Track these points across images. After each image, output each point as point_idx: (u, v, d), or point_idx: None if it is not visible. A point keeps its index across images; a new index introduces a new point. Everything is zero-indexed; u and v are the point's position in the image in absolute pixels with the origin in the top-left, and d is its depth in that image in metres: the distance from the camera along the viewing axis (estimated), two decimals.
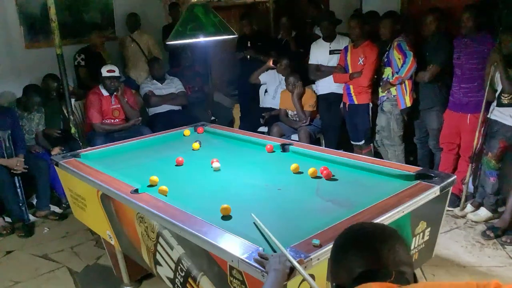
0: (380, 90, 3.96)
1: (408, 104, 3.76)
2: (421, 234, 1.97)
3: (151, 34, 5.43)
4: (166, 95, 4.94)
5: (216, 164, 2.51)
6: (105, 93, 4.40)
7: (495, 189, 3.37)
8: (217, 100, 5.80)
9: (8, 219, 3.80)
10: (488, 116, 3.35)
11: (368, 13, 4.39)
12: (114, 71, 4.37)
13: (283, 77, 4.62)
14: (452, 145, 3.67)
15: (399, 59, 3.69)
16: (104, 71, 4.34)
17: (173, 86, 5.04)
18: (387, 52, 3.85)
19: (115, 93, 4.41)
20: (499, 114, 3.26)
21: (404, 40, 3.72)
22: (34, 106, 4.08)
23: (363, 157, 2.61)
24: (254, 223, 1.73)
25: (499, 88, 3.24)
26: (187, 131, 3.32)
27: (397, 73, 3.71)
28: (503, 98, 3.21)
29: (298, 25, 5.28)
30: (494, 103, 3.31)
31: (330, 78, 4.31)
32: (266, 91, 5.04)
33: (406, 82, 3.72)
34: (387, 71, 3.86)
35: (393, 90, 3.84)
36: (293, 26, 5.09)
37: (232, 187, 2.25)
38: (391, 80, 3.77)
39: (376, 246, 1.01)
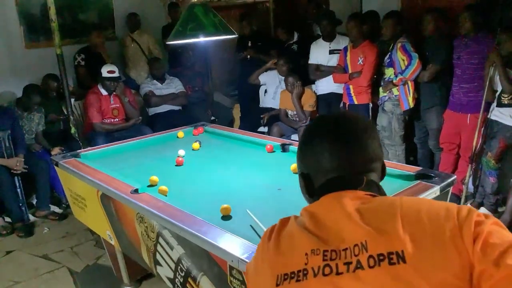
0: (381, 90, 3.96)
1: (411, 105, 3.76)
2: None
3: (151, 34, 5.43)
4: (166, 95, 4.94)
5: (181, 152, 2.67)
6: (104, 92, 4.40)
7: (495, 189, 3.37)
8: (217, 100, 5.79)
9: (8, 219, 3.80)
10: (488, 116, 3.35)
11: (367, 13, 4.39)
12: (114, 72, 4.36)
13: (283, 77, 4.62)
14: (452, 145, 3.67)
15: (403, 60, 3.68)
16: (105, 72, 4.33)
17: (173, 86, 5.04)
18: (389, 53, 3.84)
19: (114, 93, 4.41)
20: (499, 114, 3.26)
21: (408, 41, 3.71)
22: (33, 106, 4.08)
23: None
24: (250, 225, 1.72)
25: (499, 88, 3.24)
26: (180, 133, 3.22)
27: (400, 74, 3.70)
28: (503, 98, 3.21)
29: (299, 25, 5.28)
30: (494, 104, 3.31)
31: (330, 78, 4.31)
32: (266, 91, 5.05)
33: (409, 82, 3.72)
34: (389, 72, 3.85)
35: (395, 90, 3.84)
36: (294, 27, 5.09)
37: (232, 187, 2.25)
38: (394, 81, 3.76)
39: (350, 143, 0.93)
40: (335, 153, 0.93)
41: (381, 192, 0.95)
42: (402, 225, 0.77)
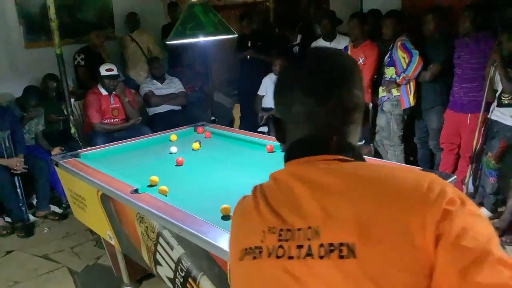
0: (381, 90, 3.96)
1: (412, 103, 3.75)
2: None
3: (151, 34, 5.43)
4: (166, 95, 4.94)
5: (173, 149, 2.77)
6: (104, 92, 4.40)
7: (495, 189, 3.36)
8: (217, 100, 5.79)
9: (8, 219, 3.80)
10: (489, 116, 3.35)
11: (370, 12, 4.38)
12: (112, 70, 4.36)
13: None
14: (453, 145, 3.66)
15: (404, 58, 3.68)
16: (103, 70, 4.33)
17: (173, 86, 5.04)
18: (389, 52, 3.83)
19: (114, 93, 4.41)
20: (499, 114, 3.26)
21: (408, 39, 3.71)
22: (30, 107, 4.07)
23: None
24: None
25: (499, 88, 3.24)
26: (173, 136, 3.14)
27: (403, 72, 3.69)
28: (503, 98, 3.21)
29: (302, 25, 5.28)
30: (495, 104, 3.30)
31: None
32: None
33: (411, 81, 3.72)
34: (390, 72, 3.85)
35: (394, 91, 3.84)
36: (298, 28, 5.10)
37: (232, 187, 2.24)
38: (398, 80, 3.75)
39: (328, 95, 0.82)
40: (309, 106, 0.83)
41: (356, 155, 0.84)
42: (357, 211, 0.69)
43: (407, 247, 0.64)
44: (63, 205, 4.05)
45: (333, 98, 0.82)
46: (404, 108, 3.81)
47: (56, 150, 4.03)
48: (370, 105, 4.13)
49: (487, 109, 3.36)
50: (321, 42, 4.45)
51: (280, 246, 0.75)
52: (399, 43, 3.72)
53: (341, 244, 0.68)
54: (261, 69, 5.01)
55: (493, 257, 0.61)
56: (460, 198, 0.68)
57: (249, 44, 5.23)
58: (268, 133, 4.53)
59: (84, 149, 3.07)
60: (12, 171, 3.70)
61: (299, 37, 5.06)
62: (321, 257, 0.69)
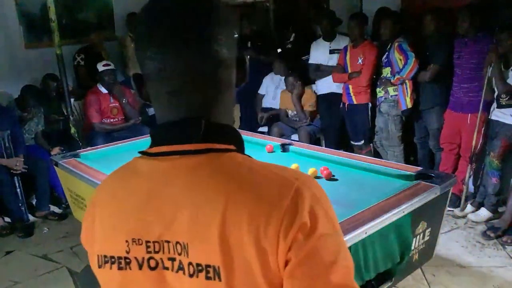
0: (378, 90, 3.96)
1: (409, 105, 3.75)
2: (422, 234, 1.96)
3: None
4: None
5: None
6: (103, 91, 4.40)
7: (497, 190, 3.36)
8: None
9: (7, 219, 3.79)
10: (489, 117, 3.35)
11: (379, 10, 4.29)
12: (110, 65, 4.39)
13: (283, 77, 4.62)
14: (453, 145, 3.66)
15: (400, 59, 3.69)
16: (100, 66, 4.35)
17: None
18: (387, 53, 3.84)
19: (113, 93, 4.41)
20: (499, 114, 3.26)
21: (405, 41, 3.71)
22: (29, 107, 4.07)
23: (363, 157, 2.61)
24: None
25: (497, 88, 3.24)
26: None
27: (398, 73, 3.70)
28: (501, 99, 3.21)
29: (299, 25, 5.28)
30: (494, 105, 3.30)
31: (330, 78, 4.30)
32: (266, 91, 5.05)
33: (408, 83, 3.72)
34: (386, 71, 3.86)
35: (391, 90, 3.84)
36: (293, 26, 5.10)
37: None
38: (392, 80, 3.76)
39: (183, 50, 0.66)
40: (156, 63, 0.67)
41: (231, 139, 0.71)
42: (222, 230, 0.62)
43: (266, 269, 0.62)
44: (63, 205, 4.04)
45: (179, 54, 0.66)
46: (402, 109, 3.81)
47: (55, 150, 4.03)
48: (370, 105, 4.13)
49: (487, 109, 3.36)
50: (321, 42, 4.45)
51: (151, 258, 0.69)
52: (396, 44, 3.73)
53: (208, 266, 0.64)
54: (261, 69, 5.01)
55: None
56: (312, 218, 0.62)
57: (249, 45, 5.23)
58: (268, 133, 4.53)
59: (84, 149, 3.07)
60: (12, 171, 3.70)
61: (293, 35, 5.07)
62: (190, 275, 0.66)
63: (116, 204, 0.73)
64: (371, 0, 4.60)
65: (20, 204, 3.75)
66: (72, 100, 4.20)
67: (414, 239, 1.92)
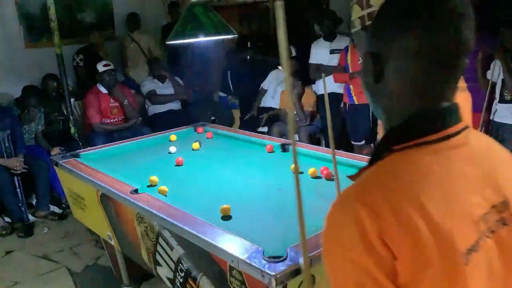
0: None
1: None
2: None
3: (151, 34, 5.43)
4: (170, 95, 4.94)
5: (172, 149, 2.80)
6: (103, 91, 4.40)
7: None
8: (217, 100, 5.79)
9: (7, 219, 3.80)
10: (491, 118, 3.33)
11: None
12: (110, 65, 4.39)
13: (282, 77, 4.61)
14: None
15: None
16: (100, 67, 4.35)
17: (173, 86, 5.03)
18: None
19: (113, 93, 4.41)
20: (502, 115, 3.22)
21: None
22: (29, 107, 4.07)
23: (363, 157, 2.60)
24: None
25: (498, 82, 3.22)
26: (173, 136, 3.14)
27: None
28: (505, 94, 3.19)
29: (300, 24, 5.28)
30: (496, 105, 3.29)
31: (330, 78, 4.30)
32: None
33: None
34: None
35: None
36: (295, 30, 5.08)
37: (232, 187, 2.24)
38: None
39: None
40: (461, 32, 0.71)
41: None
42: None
43: None
44: (63, 205, 4.05)
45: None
46: None
47: (55, 150, 4.03)
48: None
49: (488, 110, 3.35)
50: (321, 42, 4.45)
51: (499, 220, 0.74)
52: None
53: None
54: (261, 69, 5.01)
55: None
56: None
57: (249, 45, 5.23)
58: (268, 133, 4.53)
59: (84, 149, 3.07)
60: (11, 171, 3.70)
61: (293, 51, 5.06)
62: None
63: (450, 194, 0.69)
64: None
65: (20, 204, 3.75)
66: (72, 100, 4.20)
67: None
